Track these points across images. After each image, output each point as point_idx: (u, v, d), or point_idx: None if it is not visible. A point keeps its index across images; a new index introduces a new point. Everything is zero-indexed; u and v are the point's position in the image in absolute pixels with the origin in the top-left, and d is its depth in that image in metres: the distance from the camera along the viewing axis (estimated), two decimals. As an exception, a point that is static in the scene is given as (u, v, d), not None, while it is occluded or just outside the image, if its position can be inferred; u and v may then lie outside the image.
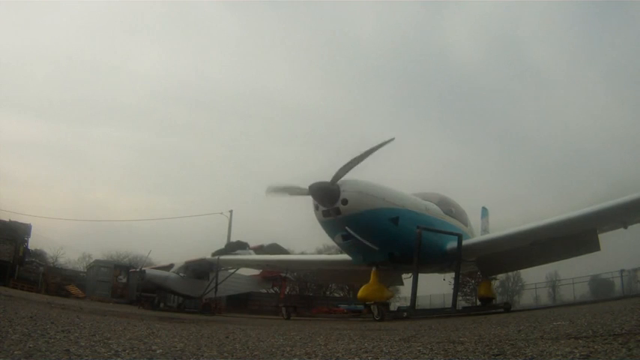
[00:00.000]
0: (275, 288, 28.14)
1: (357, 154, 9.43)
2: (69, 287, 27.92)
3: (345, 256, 12.09)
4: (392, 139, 9.42)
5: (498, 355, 2.67)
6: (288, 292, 30.18)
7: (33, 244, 33.23)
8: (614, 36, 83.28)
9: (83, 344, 3.00)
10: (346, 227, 9.80)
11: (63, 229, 76.09)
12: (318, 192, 9.78)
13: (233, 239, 22.80)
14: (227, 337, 4.18)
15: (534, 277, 33.66)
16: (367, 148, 9.39)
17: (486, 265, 13.03)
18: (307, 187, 9.91)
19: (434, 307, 18.78)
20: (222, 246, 20.20)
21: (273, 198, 10.51)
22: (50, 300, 12.88)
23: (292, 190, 10.31)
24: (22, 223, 29.32)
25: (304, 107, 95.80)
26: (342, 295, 35.15)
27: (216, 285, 18.83)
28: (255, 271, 23.66)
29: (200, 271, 20.82)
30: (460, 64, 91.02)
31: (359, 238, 9.91)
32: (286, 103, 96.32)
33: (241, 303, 27.98)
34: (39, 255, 37.50)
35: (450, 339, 3.75)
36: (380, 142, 9.38)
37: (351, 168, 9.58)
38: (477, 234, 15.13)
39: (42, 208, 73.83)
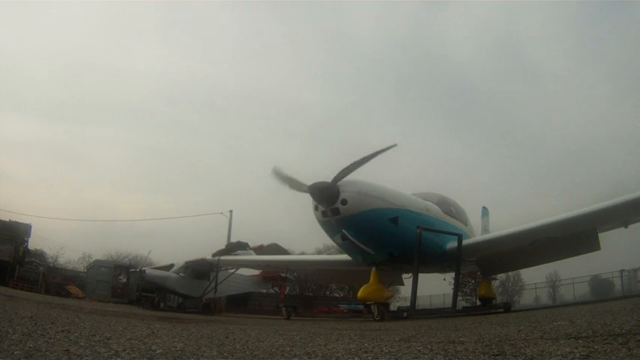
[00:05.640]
0: (275, 288, 28.15)
1: (358, 154, 9.43)
2: (69, 287, 27.97)
3: (345, 256, 12.08)
4: (394, 145, 9.40)
5: (498, 355, 2.67)
6: (288, 292, 30.19)
7: (33, 244, 33.34)
8: (615, 36, 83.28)
9: (83, 344, 3.00)
10: (343, 230, 9.78)
11: (63, 229, 76.22)
12: (317, 192, 9.76)
13: (233, 239, 22.83)
14: (227, 337, 4.18)
15: (534, 277, 33.77)
16: (370, 152, 9.35)
17: (486, 265, 13.02)
18: (307, 187, 9.91)
19: (434, 307, 18.80)
20: (223, 246, 20.17)
21: (274, 182, 10.27)
22: (50, 300, 12.89)
23: (294, 184, 10.05)
24: (22, 223, 29.36)
25: (304, 107, 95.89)
26: (342, 295, 35.17)
27: (216, 285, 18.82)
28: (255, 271, 23.67)
29: (200, 271, 20.81)
30: (460, 64, 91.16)
31: (356, 241, 9.91)
32: (286, 103, 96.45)
33: (241, 303, 27.99)
34: (39, 255, 37.55)
35: (450, 339, 3.75)
36: (382, 148, 9.35)
37: (352, 170, 9.59)
38: (477, 234, 15.12)
39: (42, 208, 73.93)
